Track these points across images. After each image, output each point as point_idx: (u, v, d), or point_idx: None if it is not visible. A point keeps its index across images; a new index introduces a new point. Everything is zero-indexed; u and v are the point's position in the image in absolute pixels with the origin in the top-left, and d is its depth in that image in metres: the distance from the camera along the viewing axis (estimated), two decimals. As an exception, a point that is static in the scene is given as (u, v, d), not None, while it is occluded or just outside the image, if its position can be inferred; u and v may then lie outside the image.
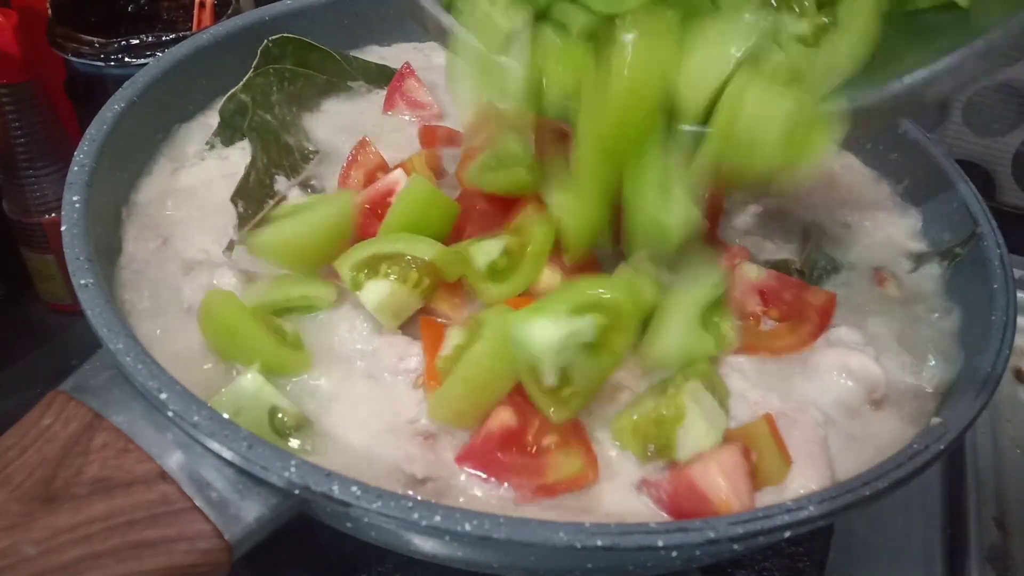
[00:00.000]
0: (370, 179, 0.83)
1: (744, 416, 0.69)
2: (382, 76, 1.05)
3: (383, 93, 1.03)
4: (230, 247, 0.76)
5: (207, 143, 0.89)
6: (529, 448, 0.63)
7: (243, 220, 0.80)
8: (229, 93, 0.90)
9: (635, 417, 0.65)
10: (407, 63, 1.03)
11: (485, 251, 0.73)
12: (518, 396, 0.65)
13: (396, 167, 0.81)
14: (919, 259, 0.89)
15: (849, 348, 0.74)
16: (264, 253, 0.72)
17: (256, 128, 0.86)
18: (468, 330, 0.67)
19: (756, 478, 0.63)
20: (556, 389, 0.63)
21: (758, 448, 0.64)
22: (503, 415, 0.63)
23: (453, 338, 0.68)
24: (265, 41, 0.95)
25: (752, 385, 0.72)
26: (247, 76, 0.91)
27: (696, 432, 0.64)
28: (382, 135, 0.93)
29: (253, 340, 0.66)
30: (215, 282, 0.73)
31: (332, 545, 0.81)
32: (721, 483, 0.61)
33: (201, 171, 0.87)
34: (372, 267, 0.70)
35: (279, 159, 0.85)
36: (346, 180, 0.83)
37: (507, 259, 0.73)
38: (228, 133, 0.89)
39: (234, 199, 0.80)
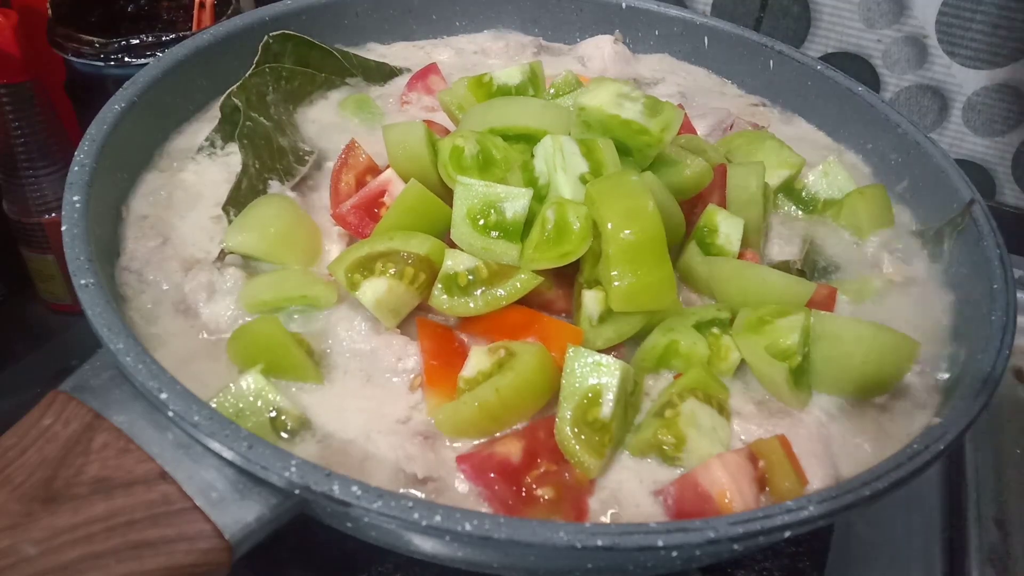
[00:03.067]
0: (360, 181, 0.82)
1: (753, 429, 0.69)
2: (381, 73, 1.05)
3: (381, 90, 1.03)
4: (221, 257, 0.76)
5: (207, 139, 0.89)
6: (522, 489, 0.61)
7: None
8: (227, 92, 0.90)
9: (639, 441, 0.65)
10: (435, 63, 1.03)
11: (461, 260, 0.71)
12: (534, 438, 0.64)
13: (387, 167, 0.81)
14: (920, 240, 0.89)
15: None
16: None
17: (247, 135, 0.85)
18: (495, 357, 0.67)
19: (771, 495, 0.63)
20: (600, 430, 0.63)
21: (767, 460, 0.64)
22: (512, 448, 0.63)
23: (477, 360, 0.67)
24: (265, 37, 0.95)
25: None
26: (247, 74, 0.91)
27: (700, 453, 0.64)
28: (377, 133, 0.92)
29: (295, 359, 0.67)
30: (216, 280, 0.73)
31: (332, 545, 0.81)
32: (724, 480, 0.61)
33: (201, 169, 0.87)
34: (367, 267, 0.70)
35: (272, 163, 0.85)
36: (338, 184, 0.82)
37: (474, 279, 0.71)
38: (229, 129, 0.88)
39: (226, 208, 0.80)
